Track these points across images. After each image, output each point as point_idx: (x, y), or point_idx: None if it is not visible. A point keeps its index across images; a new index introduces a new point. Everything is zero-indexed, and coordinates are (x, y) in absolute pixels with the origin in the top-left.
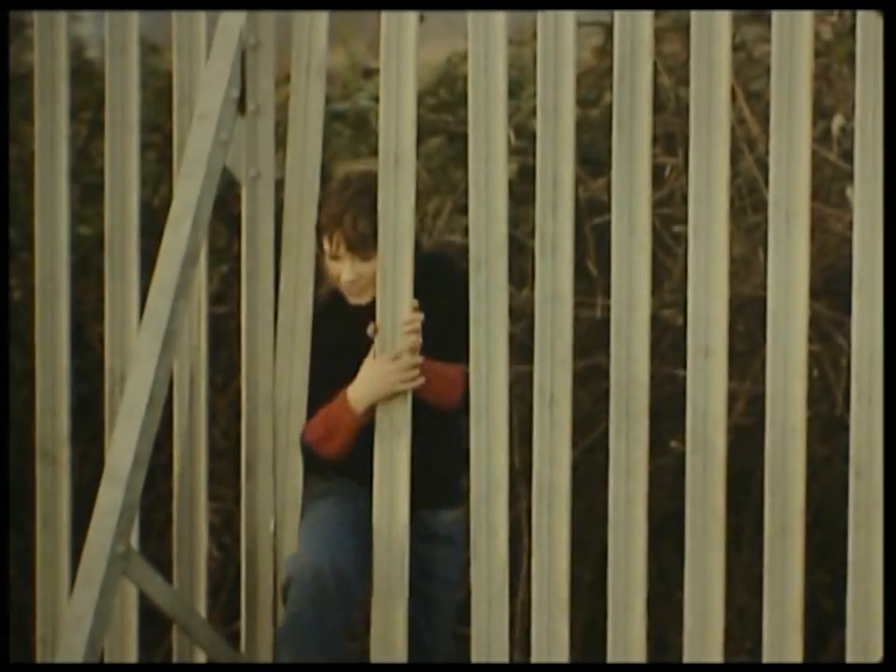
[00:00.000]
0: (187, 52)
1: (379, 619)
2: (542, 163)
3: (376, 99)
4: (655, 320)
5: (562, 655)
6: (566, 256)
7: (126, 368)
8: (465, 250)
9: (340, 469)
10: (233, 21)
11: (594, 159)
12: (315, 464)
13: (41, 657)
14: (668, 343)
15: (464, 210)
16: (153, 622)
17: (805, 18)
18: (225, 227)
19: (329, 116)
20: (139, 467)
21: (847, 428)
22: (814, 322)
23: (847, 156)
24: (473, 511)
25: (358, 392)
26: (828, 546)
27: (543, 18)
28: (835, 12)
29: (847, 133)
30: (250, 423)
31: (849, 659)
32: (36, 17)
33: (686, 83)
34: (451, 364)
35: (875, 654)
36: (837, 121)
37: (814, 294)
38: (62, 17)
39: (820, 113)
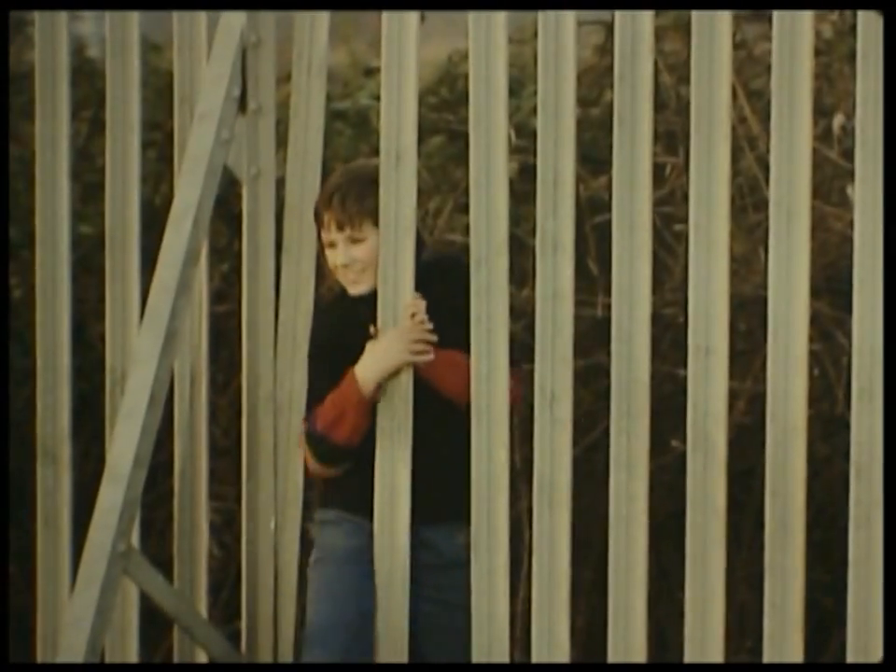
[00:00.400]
0: (187, 51)
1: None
2: (543, 162)
3: (377, 98)
4: (656, 319)
5: (562, 655)
6: (566, 254)
7: (127, 366)
8: (466, 249)
9: (349, 506)
10: (234, 19)
11: (594, 157)
12: (327, 454)
13: (42, 656)
14: (669, 342)
15: (465, 209)
16: (154, 621)
17: (806, 16)
18: (226, 225)
19: (330, 114)
20: (140, 465)
21: (847, 427)
22: (815, 321)
23: (848, 154)
24: (473, 510)
25: (366, 367)
26: (829, 545)
27: (544, 16)
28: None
29: (848, 131)
30: (251, 422)
31: (849, 659)
32: (37, 16)
33: (687, 81)
34: (457, 351)
35: (876, 654)
36: (838, 120)
37: (815, 293)
38: (62, 16)
39: (821, 111)
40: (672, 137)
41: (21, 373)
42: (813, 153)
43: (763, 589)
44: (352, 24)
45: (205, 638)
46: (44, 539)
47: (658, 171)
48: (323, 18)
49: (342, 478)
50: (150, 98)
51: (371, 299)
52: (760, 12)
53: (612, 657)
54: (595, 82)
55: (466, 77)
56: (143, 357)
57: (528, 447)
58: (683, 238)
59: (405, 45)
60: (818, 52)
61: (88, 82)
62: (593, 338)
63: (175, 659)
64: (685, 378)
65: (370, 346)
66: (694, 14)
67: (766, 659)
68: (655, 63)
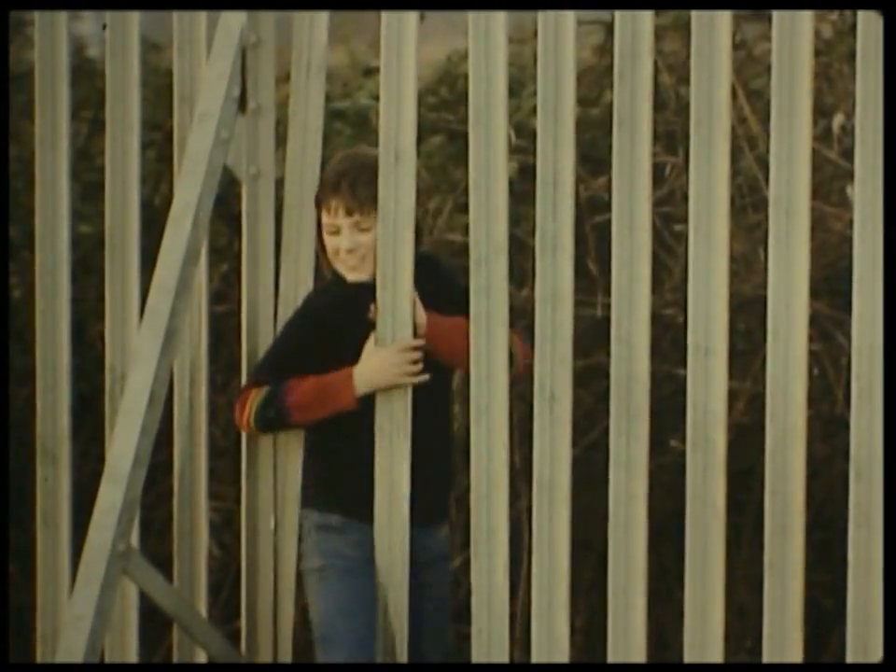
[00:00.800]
0: (187, 50)
1: (382, 616)
2: (543, 162)
3: (377, 97)
4: (656, 319)
5: (562, 655)
6: (566, 254)
7: (126, 366)
8: (465, 249)
9: (354, 512)
10: (234, 19)
11: (594, 157)
12: (275, 425)
13: (41, 656)
14: (669, 342)
15: (464, 209)
16: (153, 620)
17: (806, 16)
18: (226, 225)
19: (329, 114)
20: (139, 465)
21: (847, 427)
22: (814, 321)
23: (848, 154)
24: (473, 509)
25: (364, 376)
26: (828, 545)
27: (543, 16)
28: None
29: (848, 131)
30: None
31: (849, 658)
32: (37, 16)
33: (686, 81)
34: (455, 316)
35: (875, 654)
36: (838, 120)
37: (814, 293)
38: (62, 15)
39: (821, 111)
40: (672, 137)
41: (21, 373)
42: (813, 153)
43: (762, 589)
44: (352, 24)
45: (205, 638)
46: (43, 539)
47: (658, 171)
48: (322, 18)
49: (343, 481)
50: (150, 98)
51: (368, 286)
52: (759, 12)
53: (612, 657)
54: (595, 82)
55: (465, 76)
56: (142, 356)
57: (528, 447)
58: (683, 238)
59: (405, 45)
60: (817, 52)
61: (88, 82)
62: (592, 338)
63: (175, 659)
64: (685, 378)
65: (372, 356)
66: (694, 14)
67: (766, 659)
68: (655, 63)
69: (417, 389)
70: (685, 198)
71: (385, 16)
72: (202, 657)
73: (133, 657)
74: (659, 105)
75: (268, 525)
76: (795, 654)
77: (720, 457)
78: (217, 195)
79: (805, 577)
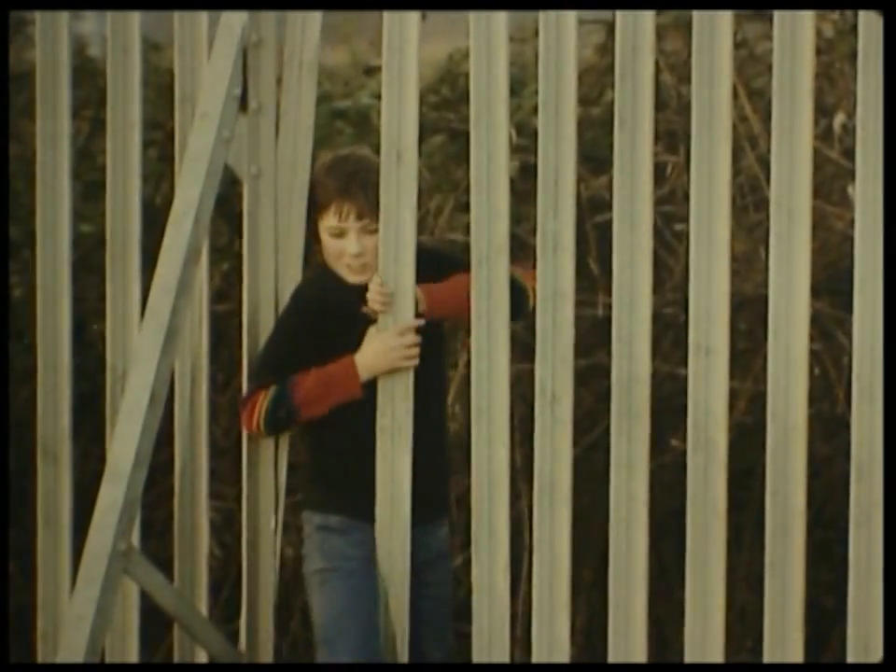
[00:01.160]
0: (188, 50)
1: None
2: (544, 161)
3: (378, 97)
4: (656, 318)
5: (562, 655)
6: (567, 254)
7: (127, 366)
8: (466, 248)
9: (356, 513)
10: (235, 19)
11: (595, 157)
12: (284, 425)
13: (42, 655)
14: (670, 342)
15: (465, 208)
16: (154, 620)
17: (807, 16)
18: (226, 225)
19: (330, 114)
20: (140, 465)
21: (848, 427)
22: (815, 320)
23: (849, 154)
24: (474, 509)
25: (366, 361)
26: (829, 545)
27: (545, 16)
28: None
29: (849, 130)
30: None
31: (850, 658)
32: (38, 15)
33: (688, 81)
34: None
35: (876, 654)
36: (839, 119)
37: (815, 292)
38: (63, 15)
39: (822, 111)
40: (673, 136)
41: (22, 372)
42: (814, 152)
43: (763, 589)
44: (352, 24)
45: (205, 638)
46: (44, 539)
47: (659, 170)
48: (315, 17)
49: (344, 482)
50: (151, 97)
51: (365, 287)
52: (761, 12)
53: (612, 657)
54: (596, 81)
55: (467, 76)
56: (143, 356)
57: (529, 447)
58: (684, 237)
59: (406, 44)
60: (819, 52)
61: (89, 81)
62: (593, 337)
63: (176, 658)
64: (685, 378)
65: (374, 341)
66: (695, 13)
67: (766, 659)
68: (656, 63)
69: (414, 385)
70: (686, 197)
71: (387, 15)
72: (202, 657)
73: (133, 657)
74: (660, 104)
75: (269, 525)
76: (796, 654)
77: (720, 457)
78: (217, 194)
79: (806, 576)
